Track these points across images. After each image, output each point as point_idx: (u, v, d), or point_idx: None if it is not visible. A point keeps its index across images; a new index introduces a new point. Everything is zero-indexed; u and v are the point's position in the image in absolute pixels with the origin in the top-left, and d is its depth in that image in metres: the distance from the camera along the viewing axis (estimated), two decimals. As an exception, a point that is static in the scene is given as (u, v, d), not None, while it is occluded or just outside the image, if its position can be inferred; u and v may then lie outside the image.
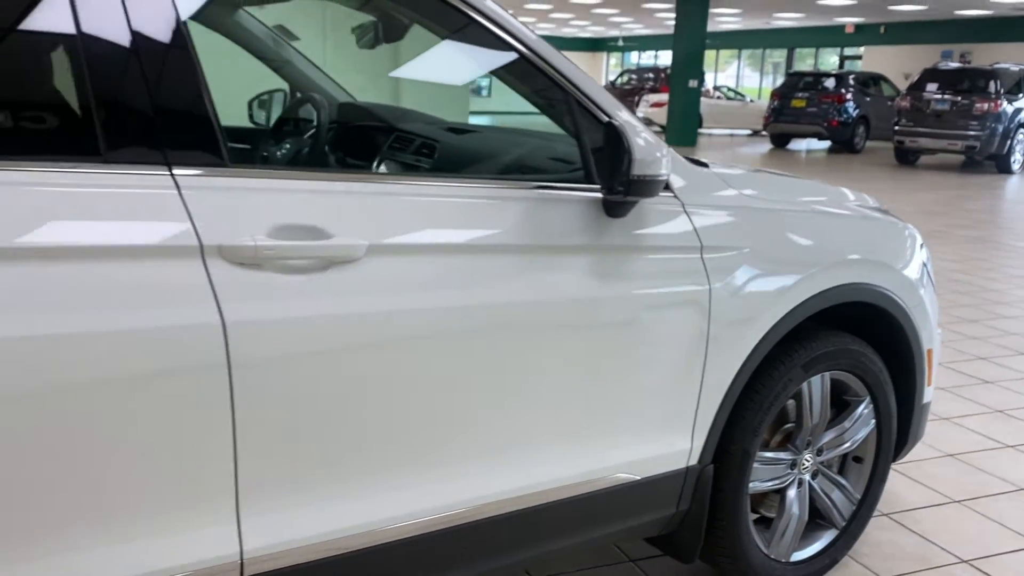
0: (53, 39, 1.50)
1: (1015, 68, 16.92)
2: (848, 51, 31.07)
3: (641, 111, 23.42)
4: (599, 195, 2.01)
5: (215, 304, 1.53)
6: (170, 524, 1.56)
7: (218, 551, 1.61)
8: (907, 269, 2.66)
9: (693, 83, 19.54)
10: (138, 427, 1.50)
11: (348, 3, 2.27)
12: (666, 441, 2.21)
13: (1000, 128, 16.15)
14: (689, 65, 19.48)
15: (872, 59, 28.19)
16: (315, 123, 2.63)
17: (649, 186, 1.91)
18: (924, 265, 2.78)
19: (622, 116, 2.00)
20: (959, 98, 16.38)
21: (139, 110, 1.52)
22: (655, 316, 2.10)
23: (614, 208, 2.01)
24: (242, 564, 1.64)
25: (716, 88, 26.32)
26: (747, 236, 2.26)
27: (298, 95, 2.76)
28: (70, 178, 1.46)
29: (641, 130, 1.96)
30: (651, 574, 2.67)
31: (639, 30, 34.61)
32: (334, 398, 1.68)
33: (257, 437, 1.61)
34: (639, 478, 2.18)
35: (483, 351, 1.86)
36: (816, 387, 2.51)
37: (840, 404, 2.64)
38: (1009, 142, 16.19)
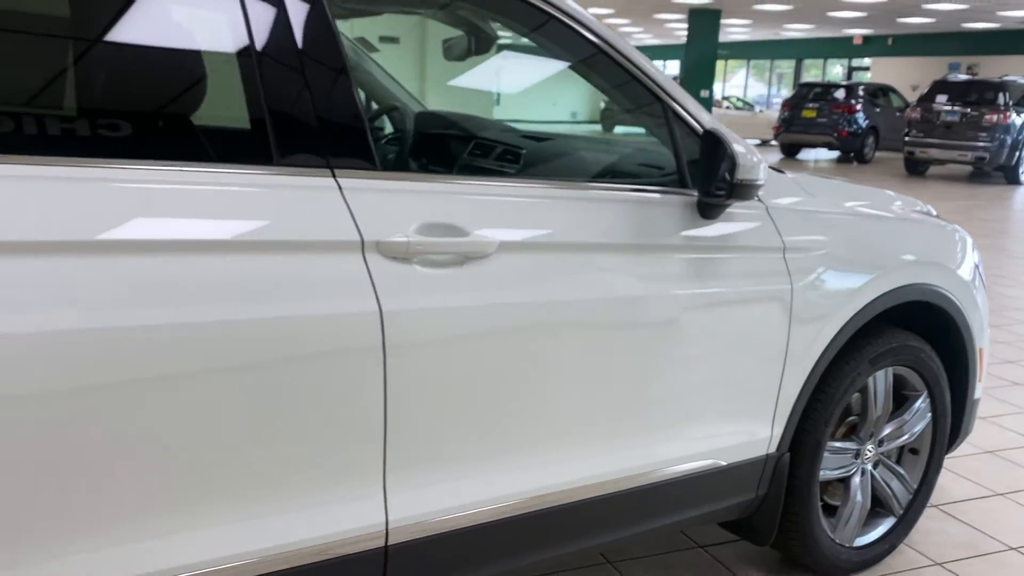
0: (234, 61, 1.67)
1: (1023, 81, 17.10)
2: (855, 62, 31.28)
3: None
4: (691, 197, 2.17)
5: (374, 294, 1.69)
6: (328, 493, 1.72)
7: (366, 520, 1.77)
8: (961, 269, 2.82)
9: (705, 93, 19.75)
10: (308, 403, 1.65)
11: (463, 23, 2.43)
12: (750, 430, 2.37)
13: (1009, 140, 16.33)
14: (700, 75, 19.69)
15: (879, 71, 28.41)
16: (405, 130, 2.80)
17: (748, 190, 2.07)
18: (976, 267, 2.94)
19: (717, 125, 2.16)
20: (968, 110, 16.56)
21: (306, 121, 1.69)
22: (744, 311, 2.26)
23: (708, 210, 2.18)
24: (387, 533, 1.79)
25: (725, 98, 26.50)
26: (823, 238, 2.42)
27: (396, 105, 2.92)
28: (248, 179, 1.62)
29: (738, 138, 2.12)
30: (721, 559, 2.82)
31: (648, 40, 34.83)
32: (470, 381, 1.84)
33: (404, 415, 1.77)
34: (725, 464, 2.34)
35: (597, 341, 2.02)
36: (880, 381, 2.66)
37: (899, 399, 2.80)
38: (1018, 153, 16.37)
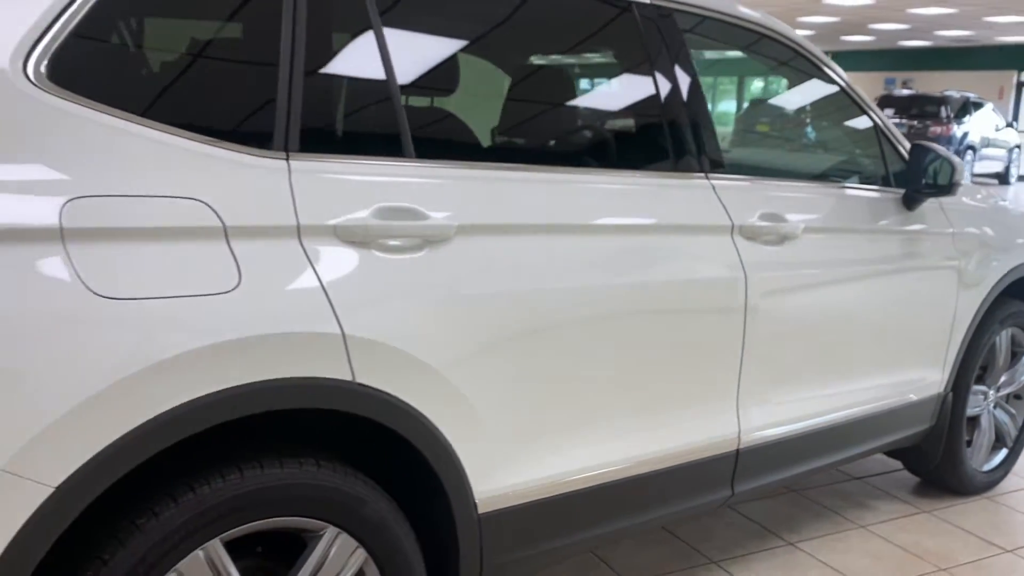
0: (656, 110, 2.32)
1: (958, 95, 18.44)
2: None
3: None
4: (897, 194, 2.89)
5: (740, 264, 2.36)
6: (709, 408, 2.37)
7: (727, 430, 2.42)
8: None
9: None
10: (700, 341, 2.31)
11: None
12: (932, 372, 3.09)
13: (952, 150, 17.63)
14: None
15: (818, 86, 29.82)
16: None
17: (956, 187, 2.80)
18: None
19: (920, 140, 2.89)
20: (914, 122, 17.80)
21: (690, 144, 2.35)
22: (932, 279, 2.98)
23: (912, 203, 2.90)
24: (739, 439, 2.45)
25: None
26: (974, 224, 3.17)
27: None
28: (662, 180, 2.28)
29: (944, 148, 2.85)
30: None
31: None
32: (794, 330, 2.52)
33: (753, 355, 2.43)
34: (916, 399, 3.05)
35: (857, 295, 2.72)
36: (1004, 338, 3.42)
37: (1014, 354, 3.56)
38: (960, 163, 17.67)
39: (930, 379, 3.10)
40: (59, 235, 1.42)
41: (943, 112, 17.85)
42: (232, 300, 1.55)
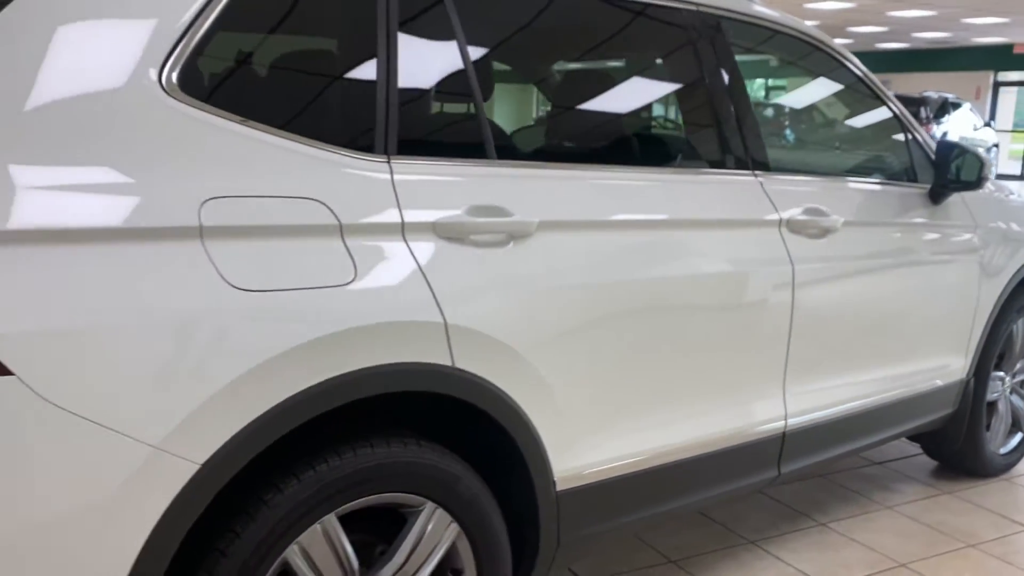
0: (714, 118, 2.46)
1: (936, 96, 18.76)
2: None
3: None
4: (923, 188, 3.03)
5: (788, 256, 2.49)
6: (760, 393, 2.50)
7: (775, 413, 2.55)
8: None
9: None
10: (756, 331, 2.44)
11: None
12: (956, 357, 3.24)
13: (931, 150, 17.93)
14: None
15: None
16: None
17: (984, 182, 2.95)
18: None
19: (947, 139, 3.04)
20: (895, 123, 18.09)
21: (739, 146, 2.48)
22: (956, 269, 3.13)
23: (938, 198, 3.04)
24: (786, 422, 2.58)
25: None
26: (994, 217, 3.32)
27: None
28: (719, 178, 2.42)
29: (970, 145, 3.00)
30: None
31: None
32: (833, 317, 2.65)
33: (797, 341, 2.56)
34: (942, 383, 3.20)
35: (888, 288, 2.86)
36: (1021, 326, 3.58)
37: None
38: (940, 162, 17.99)
39: (954, 365, 3.24)
40: (199, 233, 1.52)
41: (923, 113, 18.15)
42: (350, 292, 1.66)
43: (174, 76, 1.57)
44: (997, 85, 23.16)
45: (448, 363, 1.80)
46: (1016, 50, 22.00)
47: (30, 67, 1.45)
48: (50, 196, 1.41)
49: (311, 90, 1.80)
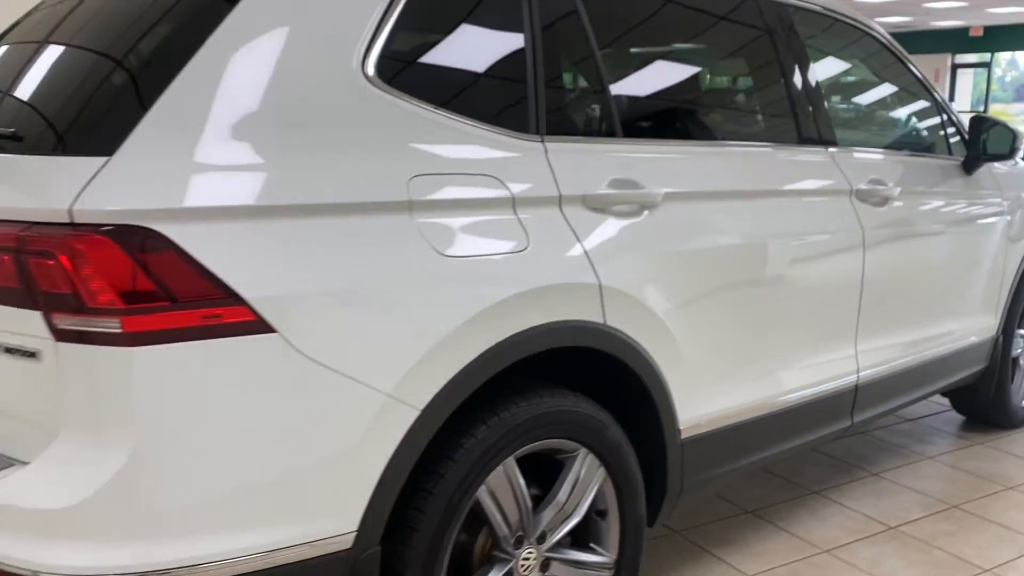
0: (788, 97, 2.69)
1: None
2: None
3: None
4: (957, 160, 3.31)
5: (859, 223, 2.74)
6: (839, 347, 2.75)
7: (849, 367, 2.80)
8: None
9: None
10: (838, 291, 2.68)
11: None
12: (989, 316, 3.52)
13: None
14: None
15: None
16: None
17: (1017, 152, 3.22)
18: None
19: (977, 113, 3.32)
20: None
21: (813, 125, 2.72)
22: (988, 234, 3.41)
23: (971, 168, 3.32)
24: (858, 375, 2.84)
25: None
26: (1016, 186, 3.61)
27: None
28: (803, 153, 2.66)
29: (1001, 119, 3.28)
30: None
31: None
32: (896, 279, 2.91)
33: (866, 299, 2.81)
34: (977, 340, 3.48)
35: (935, 251, 3.13)
36: (1038, 287, 3.87)
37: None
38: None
39: (987, 323, 3.53)
40: (408, 207, 1.72)
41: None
42: (526, 257, 1.87)
43: (372, 67, 1.76)
44: (955, 67, 23.79)
45: (601, 321, 2.01)
46: (972, 32, 22.61)
47: (260, 66, 1.64)
48: (292, 176, 1.60)
49: (478, 77, 2.00)
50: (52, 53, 1.88)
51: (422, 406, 1.70)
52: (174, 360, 1.47)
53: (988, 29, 19.66)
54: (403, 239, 1.70)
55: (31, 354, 1.51)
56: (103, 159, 1.49)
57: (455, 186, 1.80)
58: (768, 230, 2.45)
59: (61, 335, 1.47)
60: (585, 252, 1.99)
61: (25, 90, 1.82)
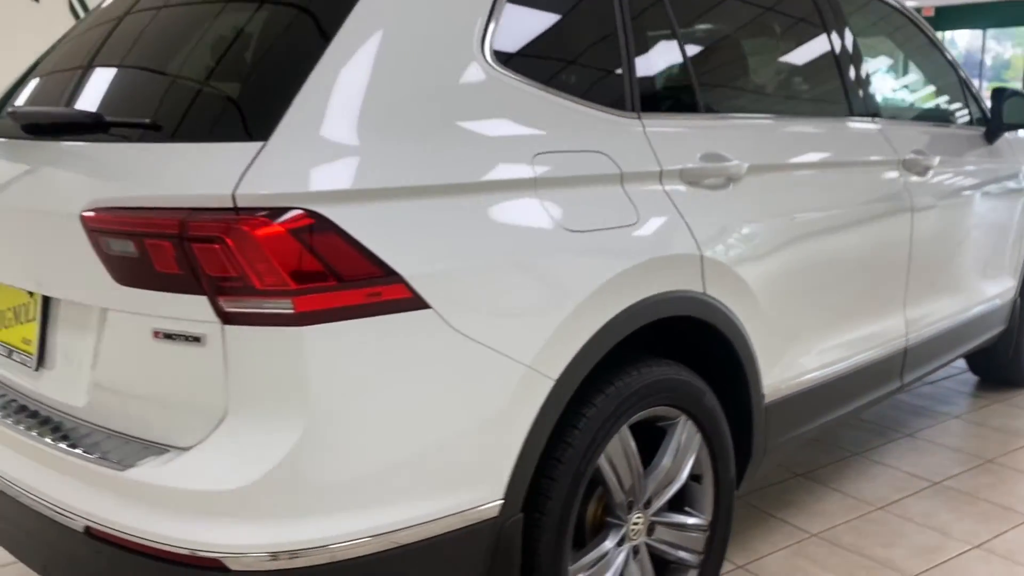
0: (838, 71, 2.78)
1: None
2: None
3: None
4: (979, 130, 3.44)
5: (907, 190, 2.84)
6: (891, 312, 2.85)
7: (898, 331, 2.91)
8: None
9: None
10: (893, 257, 2.79)
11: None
12: (1009, 280, 3.67)
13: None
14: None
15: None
16: None
17: (1040, 123, 3.37)
18: None
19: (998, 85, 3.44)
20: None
21: (865, 96, 2.82)
22: (1008, 201, 3.56)
23: (992, 138, 3.45)
24: (906, 339, 2.94)
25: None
26: (1029, 154, 3.77)
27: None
28: (857, 125, 2.75)
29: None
30: (956, 384, 4.11)
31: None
32: (939, 245, 3.02)
33: (913, 264, 2.92)
34: (1000, 303, 3.62)
35: (965, 218, 3.25)
36: (1049, 251, 4.03)
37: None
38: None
39: (1008, 286, 3.67)
40: (533, 184, 1.76)
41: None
42: (638, 230, 1.93)
43: (489, 51, 1.80)
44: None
45: (701, 290, 2.08)
46: (924, 13, 23.10)
47: (394, 53, 1.67)
48: (434, 158, 1.64)
49: (579, 57, 2.04)
50: (188, 42, 1.89)
51: (556, 376, 1.75)
52: (340, 339, 1.51)
53: (939, 10, 20.09)
54: (533, 215, 1.75)
55: (194, 339, 1.52)
56: (258, 144, 1.51)
57: (571, 163, 1.85)
58: (835, 200, 2.54)
59: (229, 318, 1.49)
60: (687, 224, 2.05)
61: (160, 80, 1.83)
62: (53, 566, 1.80)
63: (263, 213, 1.47)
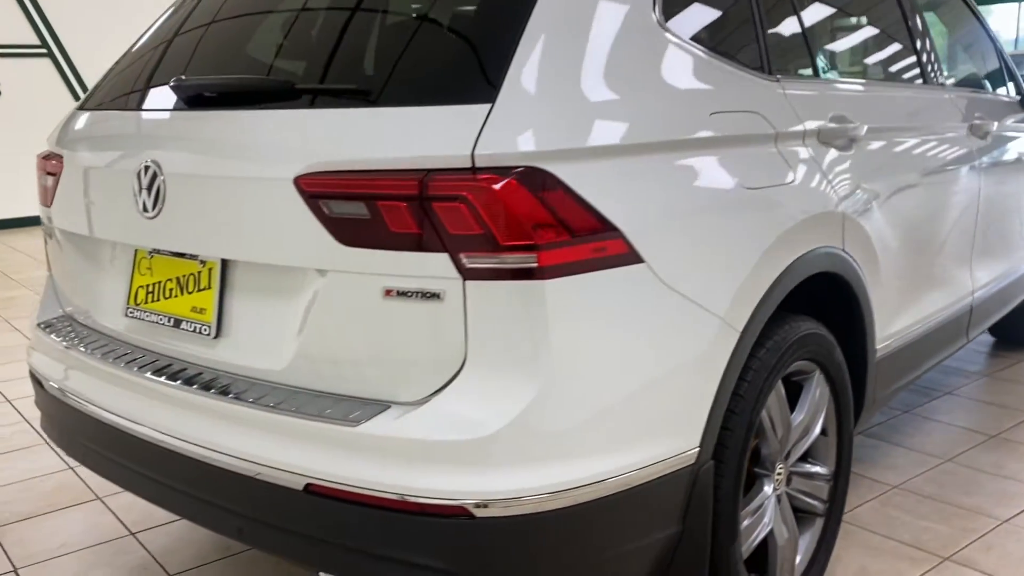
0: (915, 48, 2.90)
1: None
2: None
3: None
4: (1014, 99, 3.61)
5: (976, 154, 2.98)
6: (962, 269, 2.99)
7: (966, 289, 3.05)
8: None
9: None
10: (967, 216, 2.92)
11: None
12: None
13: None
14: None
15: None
16: None
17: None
18: None
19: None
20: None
21: (934, 63, 2.95)
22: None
23: (1026, 105, 3.64)
24: (972, 296, 3.09)
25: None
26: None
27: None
28: (936, 93, 2.87)
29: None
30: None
31: None
32: (996, 205, 3.17)
33: (979, 224, 3.06)
34: (1031, 267, 3.82)
35: (1015, 180, 3.42)
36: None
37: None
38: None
39: (1038, 247, 3.87)
40: (713, 143, 1.82)
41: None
42: (795, 188, 2.00)
43: (662, 17, 1.85)
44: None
45: (841, 247, 2.17)
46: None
47: (593, 19, 1.71)
48: (640, 117, 1.69)
49: (728, 21, 2.10)
50: (388, 9, 1.89)
51: (741, 327, 1.82)
52: (575, 292, 1.55)
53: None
54: (719, 173, 1.81)
55: (433, 295, 1.55)
56: (486, 107, 1.53)
57: (738, 122, 1.92)
58: (930, 162, 2.67)
59: (470, 273, 1.52)
60: (829, 183, 2.13)
61: (366, 45, 1.83)
62: (252, 528, 1.80)
63: (501, 172, 1.50)
